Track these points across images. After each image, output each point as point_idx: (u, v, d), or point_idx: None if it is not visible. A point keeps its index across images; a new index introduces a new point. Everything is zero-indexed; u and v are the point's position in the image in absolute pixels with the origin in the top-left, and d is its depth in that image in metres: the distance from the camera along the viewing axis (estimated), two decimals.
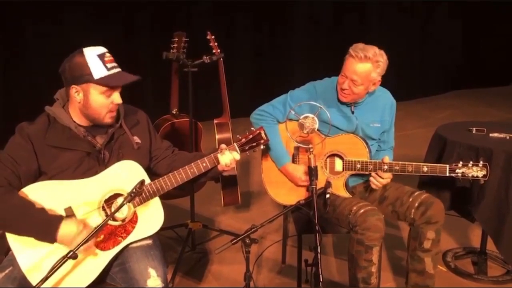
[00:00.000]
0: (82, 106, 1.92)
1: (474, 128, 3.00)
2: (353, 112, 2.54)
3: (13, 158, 1.86)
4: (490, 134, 2.92)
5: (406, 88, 7.20)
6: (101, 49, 1.91)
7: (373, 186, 2.48)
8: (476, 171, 2.35)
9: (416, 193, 2.51)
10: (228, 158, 2.06)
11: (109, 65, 1.89)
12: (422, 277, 2.51)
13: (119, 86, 1.93)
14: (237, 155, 2.08)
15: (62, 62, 1.93)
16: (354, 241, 2.36)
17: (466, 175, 2.36)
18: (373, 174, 2.45)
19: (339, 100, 2.54)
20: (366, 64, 2.38)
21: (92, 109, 1.92)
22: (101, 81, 1.88)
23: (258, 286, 2.84)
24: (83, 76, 1.86)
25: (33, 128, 1.91)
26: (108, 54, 1.91)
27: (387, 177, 2.44)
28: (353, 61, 2.39)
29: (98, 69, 1.87)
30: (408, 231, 2.59)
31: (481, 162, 2.36)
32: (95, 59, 1.87)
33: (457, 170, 2.36)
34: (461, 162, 2.37)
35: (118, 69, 1.93)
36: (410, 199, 2.49)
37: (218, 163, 2.07)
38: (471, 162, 2.36)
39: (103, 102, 1.91)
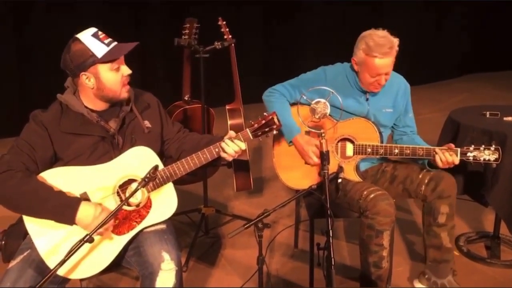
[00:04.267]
0: (97, 89, 1.94)
1: (487, 112, 2.97)
2: (367, 99, 2.53)
3: (29, 144, 1.88)
4: (504, 118, 2.89)
5: (420, 73, 7.13)
6: (92, 29, 1.93)
7: (441, 166, 2.37)
8: (488, 155, 2.32)
9: (426, 170, 2.51)
10: (231, 149, 2.03)
11: (106, 41, 1.91)
12: (440, 251, 2.53)
13: (123, 55, 1.95)
14: (242, 145, 2.06)
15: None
16: (365, 225, 2.37)
17: (478, 159, 2.33)
18: (440, 155, 2.35)
19: (352, 86, 2.53)
20: (392, 54, 2.38)
21: (107, 89, 1.94)
22: (106, 58, 1.89)
23: (271, 270, 2.87)
24: (88, 60, 1.88)
25: (46, 116, 1.94)
26: (100, 32, 1.92)
27: (455, 161, 2.36)
28: (383, 60, 2.36)
29: (98, 48, 1.88)
30: (420, 215, 2.59)
31: (493, 146, 2.33)
32: (92, 39, 1.89)
33: (469, 154, 2.34)
34: (472, 146, 2.35)
35: (115, 43, 1.94)
36: (420, 176, 2.50)
37: (225, 152, 2.04)
38: (483, 146, 2.33)
39: (114, 78, 1.93)
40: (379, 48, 2.34)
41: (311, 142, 2.51)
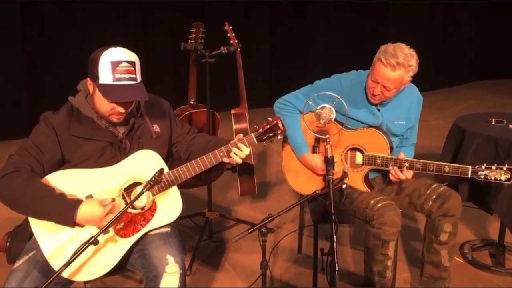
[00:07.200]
0: (92, 98, 1.96)
1: (493, 119, 2.97)
2: (379, 110, 2.51)
3: (37, 146, 1.90)
4: (510, 125, 2.89)
5: (425, 79, 7.09)
6: (122, 56, 1.85)
7: (392, 179, 2.46)
8: (499, 175, 2.25)
9: (434, 185, 2.49)
10: (238, 157, 2.04)
11: (118, 75, 1.85)
12: (437, 269, 2.51)
13: (114, 101, 1.89)
14: (246, 150, 2.05)
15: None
16: (371, 235, 2.36)
17: (489, 178, 2.27)
18: (394, 168, 2.40)
19: (367, 96, 2.49)
20: (398, 71, 2.31)
21: (96, 106, 1.95)
22: (102, 88, 1.86)
23: (274, 275, 2.87)
24: (93, 74, 1.88)
25: (57, 119, 1.95)
26: (125, 64, 1.85)
27: (408, 176, 2.40)
28: (384, 68, 2.31)
29: (105, 75, 1.85)
30: (424, 222, 2.58)
31: (506, 166, 2.25)
32: (107, 64, 1.84)
33: (480, 173, 2.27)
34: (484, 164, 2.27)
35: (129, 82, 1.86)
36: (428, 191, 2.47)
37: (229, 157, 2.05)
38: (495, 165, 2.26)
39: (104, 105, 1.92)
40: (388, 56, 2.29)
41: (318, 160, 2.52)
